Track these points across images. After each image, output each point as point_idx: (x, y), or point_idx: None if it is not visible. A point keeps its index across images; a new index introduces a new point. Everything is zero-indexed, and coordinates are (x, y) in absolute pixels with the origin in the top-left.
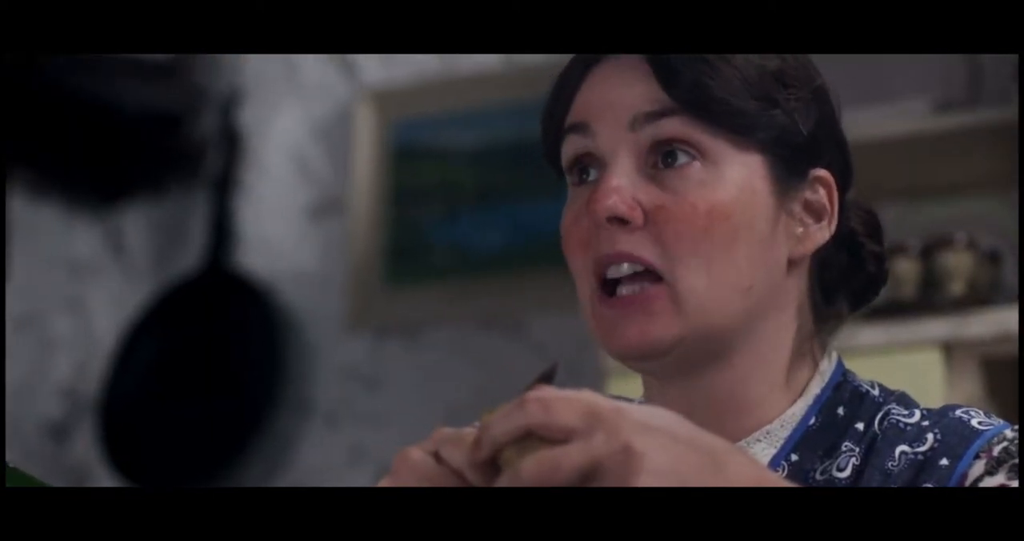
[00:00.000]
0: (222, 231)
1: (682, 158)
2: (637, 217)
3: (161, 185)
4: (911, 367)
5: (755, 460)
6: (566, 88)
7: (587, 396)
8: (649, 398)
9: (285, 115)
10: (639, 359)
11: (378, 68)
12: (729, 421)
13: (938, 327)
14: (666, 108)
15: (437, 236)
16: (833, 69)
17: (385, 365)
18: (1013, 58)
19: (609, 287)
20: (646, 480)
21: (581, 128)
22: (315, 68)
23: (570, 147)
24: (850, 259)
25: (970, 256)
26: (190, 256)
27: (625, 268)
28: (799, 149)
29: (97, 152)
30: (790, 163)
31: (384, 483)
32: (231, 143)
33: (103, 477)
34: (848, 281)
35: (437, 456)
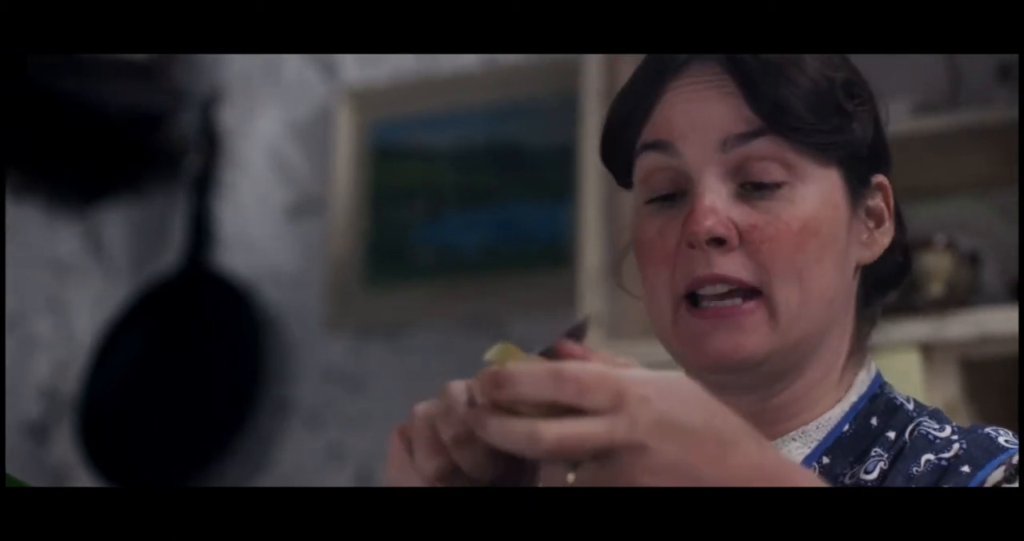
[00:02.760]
0: (202, 231)
1: (771, 186)
2: (733, 237)
3: (141, 184)
4: (890, 368)
5: (762, 448)
6: (641, 102)
7: (619, 378)
8: None
9: (265, 115)
10: (729, 371)
11: (357, 68)
12: (777, 424)
13: (917, 328)
14: (757, 129)
15: (418, 236)
16: None
17: (366, 365)
18: (993, 59)
19: (694, 299)
20: (650, 480)
21: (664, 146)
22: (295, 68)
23: (649, 162)
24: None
25: (949, 258)
26: (170, 255)
27: (719, 288)
28: (866, 159)
29: (77, 152)
30: (860, 173)
31: (393, 439)
32: (211, 143)
33: (83, 477)
34: (875, 270)
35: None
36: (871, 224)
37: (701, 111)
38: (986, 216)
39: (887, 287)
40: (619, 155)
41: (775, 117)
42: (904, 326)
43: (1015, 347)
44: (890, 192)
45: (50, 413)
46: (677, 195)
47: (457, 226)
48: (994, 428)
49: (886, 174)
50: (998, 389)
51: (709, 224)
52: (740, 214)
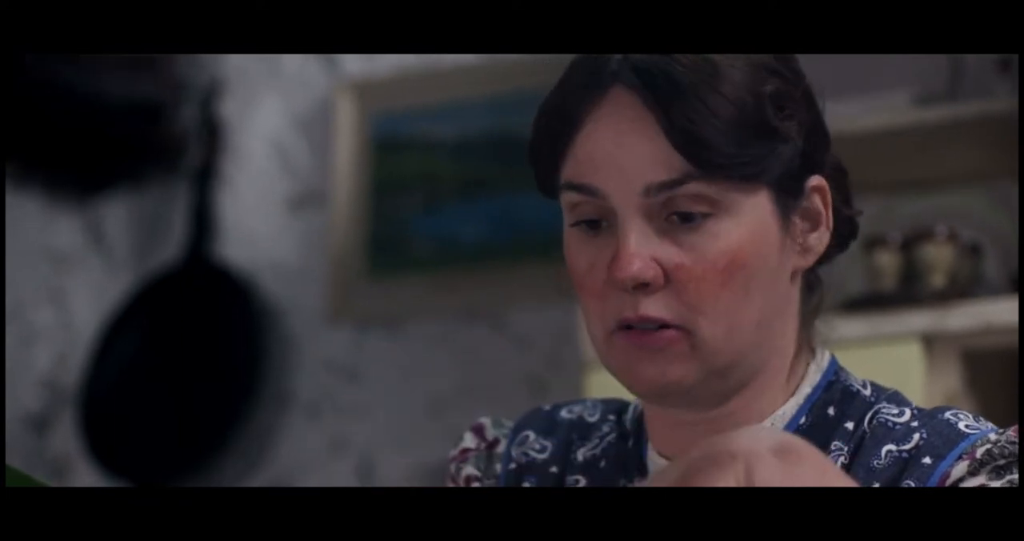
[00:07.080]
0: (203, 223)
1: (698, 216)
2: (659, 278)
3: (142, 176)
4: (892, 359)
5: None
6: (566, 124)
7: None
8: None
9: (266, 107)
10: (658, 398)
11: (358, 60)
12: (729, 428)
13: (919, 320)
14: (680, 177)
15: (418, 228)
16: (813, 62)
17: (366, 357)
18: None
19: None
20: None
21: (587, 190)
22: (296, 60)
23: (574, 199)
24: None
25: (951, 249)
26: (171, 248)
27: (648, 326)
28: (798, 170)
29: (78, 143)
30: (792, 187)
31: None
32: (212, 135)
33: (83, 469)
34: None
35: None
36: (805, 226)
37: (623, 156)
38: (987, 207)
39: (828, 255)
40: (542, 166)
41: (698, 159)
42: (905, 318)
43: (1016, 338)
44: (828, 193)
45: (50, 405)
46: (603, 223)
47: (457, 218)
48: (955, 412)
49: (824, 164)
50: (999, 380)
51: (635, 270)
52: (666, 253)
